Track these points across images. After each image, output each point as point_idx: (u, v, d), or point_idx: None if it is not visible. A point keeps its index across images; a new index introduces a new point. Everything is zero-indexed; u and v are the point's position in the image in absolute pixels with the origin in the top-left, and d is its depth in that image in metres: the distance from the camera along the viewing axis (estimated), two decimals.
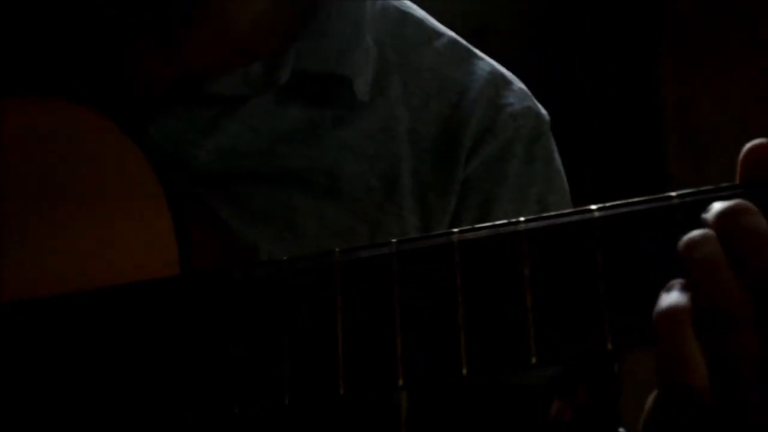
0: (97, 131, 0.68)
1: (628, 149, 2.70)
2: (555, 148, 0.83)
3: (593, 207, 0.55)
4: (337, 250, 0.58)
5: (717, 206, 0.51)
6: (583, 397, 0.63)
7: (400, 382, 0.55)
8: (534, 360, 0.54)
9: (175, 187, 0.68)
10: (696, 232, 0.51)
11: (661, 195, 0.54)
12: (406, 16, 0.85)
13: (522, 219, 0.56)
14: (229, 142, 0.75)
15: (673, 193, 0.54)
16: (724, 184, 0.54)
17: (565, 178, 0.83)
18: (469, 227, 0.57)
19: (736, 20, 2.64)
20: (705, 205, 0.52)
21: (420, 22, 0.85)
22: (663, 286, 0.51)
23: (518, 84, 0.85)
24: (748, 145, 0.54)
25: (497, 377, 0.64)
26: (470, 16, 2.60)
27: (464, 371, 0.55)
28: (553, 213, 0.55)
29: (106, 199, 0.66)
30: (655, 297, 0.51)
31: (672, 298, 0.50)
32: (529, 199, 0.79)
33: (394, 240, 0.57)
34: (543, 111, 0.84)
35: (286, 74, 0.76)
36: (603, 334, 0.53)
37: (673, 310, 0.50)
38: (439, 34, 0.85)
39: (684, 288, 0.50)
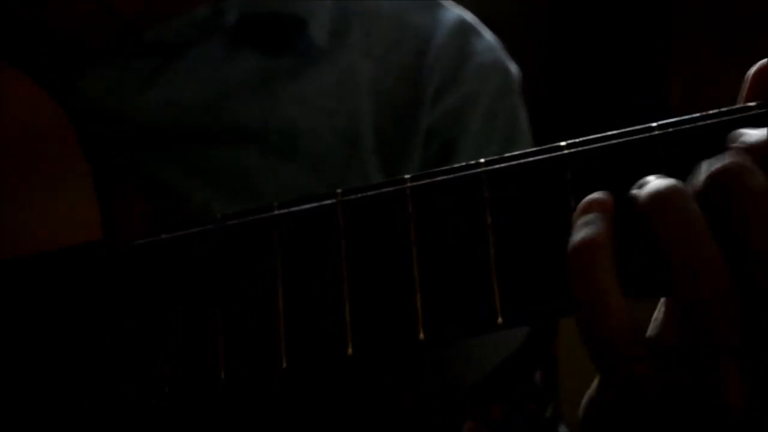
0: (15, 90, 0.61)
1: None
2: (522, 108, 0.76)
3: (562, 143, 0.48)
4: (275, 203, 0.51)
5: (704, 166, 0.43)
6: (498, 415, 0.55)
7: (350, 352, 0.49)
8: (500, 320, 0.47)
9: (106, 148, 0.61)
10: (662, 182, 0.43)
11: (641, 126, 0.47)
12: None
13: (482, 161, 0.49)
14: (173, 94, 0.68)
15: (654, 124, 0.47)
16: (712, 111, 0.46)
17: (530, 141, 0.76)
18: (423, 172, 0.50)
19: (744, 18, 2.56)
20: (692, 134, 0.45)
21: None
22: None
23: (489, 35, 0.78)
24: (757, 65, 0.46)
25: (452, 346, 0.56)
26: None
27: (421, 336, 0.48)
28: (517, 152, 0.48)
29: (27, 167, 0.59)
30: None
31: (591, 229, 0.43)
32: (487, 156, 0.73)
33: (339, 190, 0.50)
34: (514, 67, 0.77)
35: (234, 16, 0.69)
36: None
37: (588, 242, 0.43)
38: None
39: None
